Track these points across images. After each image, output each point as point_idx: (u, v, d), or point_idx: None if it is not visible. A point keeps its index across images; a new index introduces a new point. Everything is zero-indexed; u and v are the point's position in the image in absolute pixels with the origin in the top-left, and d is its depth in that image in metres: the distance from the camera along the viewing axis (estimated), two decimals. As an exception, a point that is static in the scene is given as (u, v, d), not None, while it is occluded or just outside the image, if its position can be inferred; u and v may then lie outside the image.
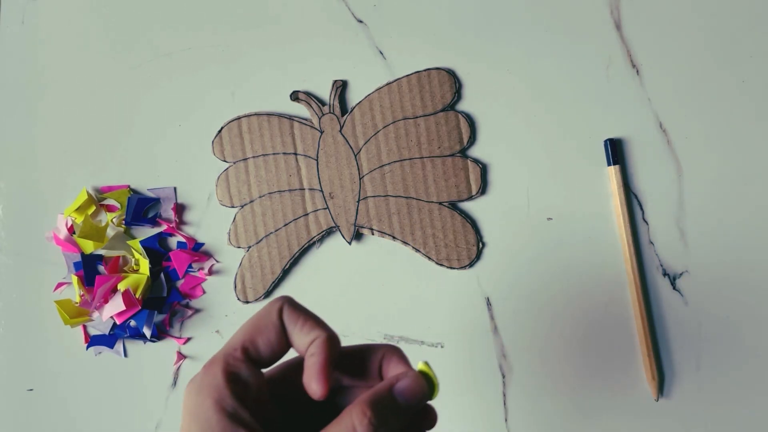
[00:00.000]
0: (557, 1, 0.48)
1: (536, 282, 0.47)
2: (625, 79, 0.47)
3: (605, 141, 0.47)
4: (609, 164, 0.46)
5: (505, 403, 0.47)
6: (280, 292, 0.48)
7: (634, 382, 0.46)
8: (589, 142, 0.47)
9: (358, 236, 0.48)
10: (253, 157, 0.48)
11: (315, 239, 0.48)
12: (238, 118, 0.48)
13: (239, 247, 0.48)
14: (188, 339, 0.48)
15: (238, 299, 0.48)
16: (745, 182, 0.47)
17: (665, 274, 0.46)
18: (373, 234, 0.47)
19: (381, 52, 0.49)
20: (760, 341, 0.46)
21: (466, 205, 0.48)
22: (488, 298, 0.47)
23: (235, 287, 0.48)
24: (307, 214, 0.48)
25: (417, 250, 0.47)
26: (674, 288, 0.46)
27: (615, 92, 0.47)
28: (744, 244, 0.46)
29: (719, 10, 0.48)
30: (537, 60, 0.48)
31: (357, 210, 0.47)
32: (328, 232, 0.48)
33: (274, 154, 0.48)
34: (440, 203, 0.47)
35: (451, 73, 0.48)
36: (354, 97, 0.48)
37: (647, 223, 0.47)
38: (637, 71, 0.47)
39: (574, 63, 0.48)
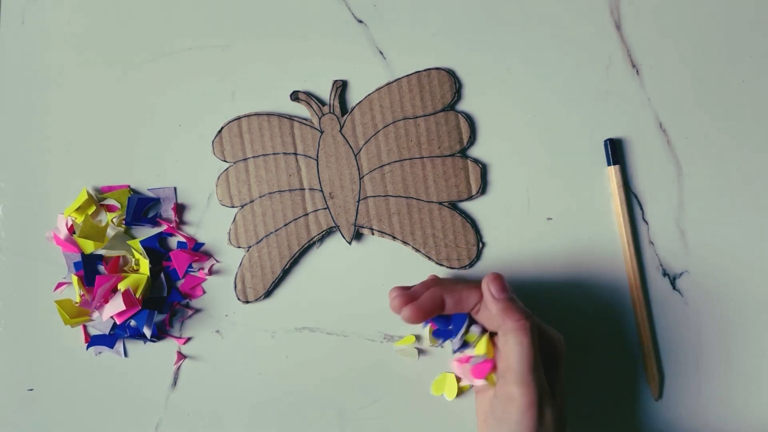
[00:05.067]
0: (557, 1, 0.48)
1: (536, 282, 0.47)
2: (624, 79, 0.47)
3: (605, 141, 0.47)
4: (609, 164, 0.46)
5: (505, 403, 0.47)
6: (280, 292, 0.48)
7: (634, 382, 0.46)
8: (589, 142, 0.47)
9: (358, 236, 0.48)
10: (253, 157, 0.48)
11: (315, 239, 0.48)
12: (238, 118, 0.48)
13: (239, 247, 0.48)
14: (188, 339, 0.48)
15: (238, 299, 0.48)
16: (745, 182, 0.47)
17: (665, 274, 0.46)
18: (373, 234, 0.47)
19: (381, 52, 0.49)
20: (760, 341, 0.46)
21: (466, 205, 0.48)
22: (488, 298, 0.47)
23: (235, 287, 0.48)
24: (307, 214, 0.48)
25: (417, 250, 0.47)
26: (674, 288, 0.46)
27: (615, 92, 0.47)
28: (744, 244, 0.46)
29: (719, 10, 0.48)
30: (537, 60, 0.48)
31: (357, 210, 0.47)
32: (328, 232, 0.48)
33: (274, 154, 0.48)
34: (440, 203, 0.47)
35: (451, 73, 0.48)
36: (354, 97, 0.48)
37: (647, 223, 0.47)
38: (637, 71, 0.47)
39: (574, 63, 0.48)
